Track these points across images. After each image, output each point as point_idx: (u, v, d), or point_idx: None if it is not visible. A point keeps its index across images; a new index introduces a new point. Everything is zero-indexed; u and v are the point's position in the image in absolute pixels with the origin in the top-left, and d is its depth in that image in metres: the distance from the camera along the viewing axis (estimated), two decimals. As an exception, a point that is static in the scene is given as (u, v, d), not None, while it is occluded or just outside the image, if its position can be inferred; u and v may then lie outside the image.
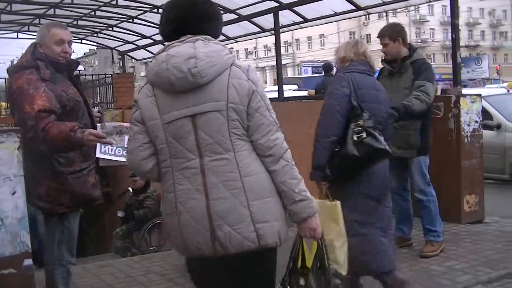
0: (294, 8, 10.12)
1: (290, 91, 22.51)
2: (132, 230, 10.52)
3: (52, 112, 3.77)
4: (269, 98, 2.78)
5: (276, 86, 10.47)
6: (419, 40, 61.96)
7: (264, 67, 69.44)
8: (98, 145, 3.73)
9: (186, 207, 2.65)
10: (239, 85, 2.61)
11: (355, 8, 9.36)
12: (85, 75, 19.04)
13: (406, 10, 47.46)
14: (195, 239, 2.66)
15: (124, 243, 10.47)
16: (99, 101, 17.14)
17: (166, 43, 2.73)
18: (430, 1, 8.65)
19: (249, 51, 72.08)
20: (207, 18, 2.75)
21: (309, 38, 69.80)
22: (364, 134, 3.91)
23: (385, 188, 4.18)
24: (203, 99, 2.60)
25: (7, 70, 4.09)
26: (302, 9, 10.17)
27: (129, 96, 16.25)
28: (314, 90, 14.21)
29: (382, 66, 5.96)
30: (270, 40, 10.67)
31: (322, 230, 2.86)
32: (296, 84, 28.40)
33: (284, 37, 62.82)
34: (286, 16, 10.59)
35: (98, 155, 3.73)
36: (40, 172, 3.94)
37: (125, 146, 3.73)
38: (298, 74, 53.02)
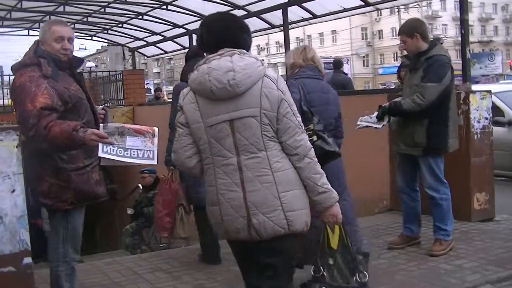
0: (303, 4, 10.05)
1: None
2: (141, 227, 10.57)
3: (53, 109, 3.76)
4: None
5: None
6: (431, 36, 61.62)
7: (276, 63, 69.34)
8: (100, 144, 3.71)
9: (226, 197, 3.07)
10: (270, 94, 3.00)
11: (364, 3, 9.27)
12: (96, 71, 19.12)
13: (418, 6, 47.18)
14: (234, 226, 3.08)
15: (133, 240, 10.51)
16: (109, 97, 17.18)
17: (206, 55, 3.12)
18: (439, -4, 8.55)
19: (261, 47, 71.86)
20: (243, 31, 3.17)
21: (321, 34, 69.64)
22: (315, 138, 4.22)
23: (338, 182, 4.49)
24: (239, 106, 2.99)
25: (11, 67, 4.09)
26: (311, 5, 10.09)
27: (139, 93, 16.29)
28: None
29: (401, 61, 5.94)
30: (282, 36, 10.68)
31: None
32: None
33: (295, 33, 62.61)
34: (295, 12, 10.53)
35: (100, 154, 3.72)
36: (42, 169, 3.93)
37: (126, 147, 3.78)
38: (310, 70, 52.84)
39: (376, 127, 5.69)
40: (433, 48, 5.57)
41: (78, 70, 4.26)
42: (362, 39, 70.63)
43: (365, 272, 3.51)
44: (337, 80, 12.80)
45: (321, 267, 3.42)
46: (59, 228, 4.09)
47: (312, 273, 3.46)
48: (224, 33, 3.11)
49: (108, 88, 17.41)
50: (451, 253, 5.60)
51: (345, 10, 9.95)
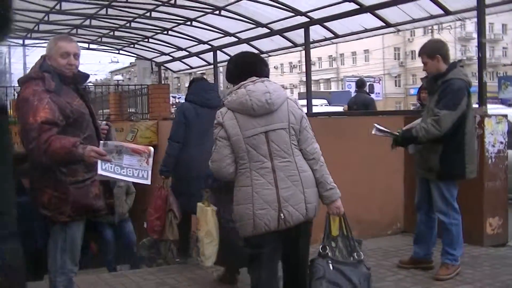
0: (325, 24, 10.08)
1: (322, 106, 22.47)
2: (158, 241, 10.55)
3: (54, 124, 3.85)
4: None
5: (305, 101, 10.38)
6: (465, 58, 60.85)
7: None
8: (99, 162, 3.78)
9: (261, 194, 3.78)
10: (295, 112, 3.89)
11: (385, 24, 9.28)
12: (122, 85, 19.32)
13: (450, 27, 46.78)
14: (266, 218, 3.76)
15: (150, 253, 10.50)
16: (135, 111, 17.33)
17: (241, 83, 3.90)
18: (460, 19, 8.49)
19: (293, 65, 71.90)
20: (265, 64, 4.14)
21: (354, 53, 69.37)
22: None
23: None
24: (272, 121, 3.82)
25: (18, 80, 4.19)
26: (333, 25, 10.13)
27: (164, 107, 16.37)
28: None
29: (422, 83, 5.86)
30: (314, 54, 10.65)
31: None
32: (325, 99, 28.11)
33: (328, 51, 62.05)
34: (317, 31, 10.57)
35: (99, 171, 3.80)
36: (43, 181, 4.01)
37: (123, 165, 3.87)
38: (342, 89, 52.57)
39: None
40: (450, 71, 5.48)
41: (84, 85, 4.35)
42: (395, 59, 70.14)
43: (360, 252, 4.20)
44: (359, 100, 12.76)
45: (326, 247, 4.15)
46: (58, 240, 4.16)
47: (320, 251, 4.14)
48: (253, 64, 4.02)
49: (134, 102, 17.59)
50: (457, 277, 5.52)
51: (366, 30, 9.95)
